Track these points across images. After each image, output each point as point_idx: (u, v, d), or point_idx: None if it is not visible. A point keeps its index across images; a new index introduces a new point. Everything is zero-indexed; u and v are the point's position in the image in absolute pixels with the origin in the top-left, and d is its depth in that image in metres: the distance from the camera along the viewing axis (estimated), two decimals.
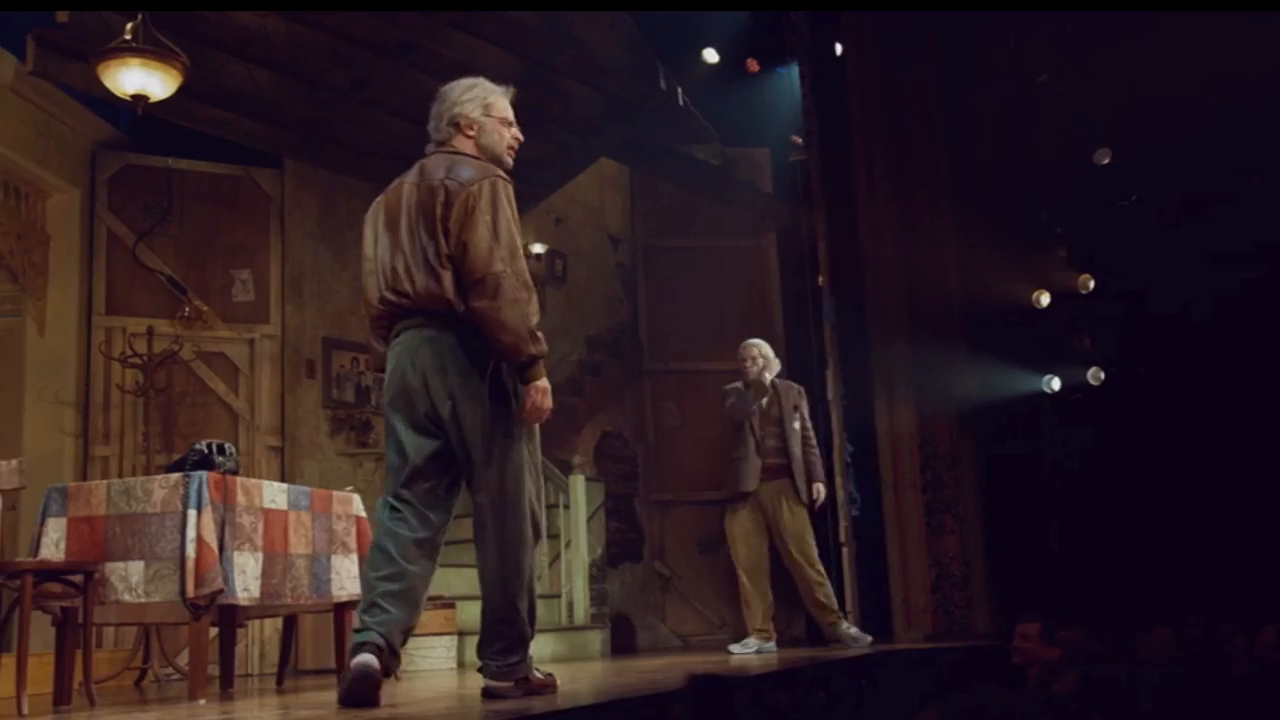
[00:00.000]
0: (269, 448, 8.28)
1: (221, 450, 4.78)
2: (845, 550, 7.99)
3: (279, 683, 5.67)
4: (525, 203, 10.01)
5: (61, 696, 4.48)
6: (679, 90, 8.90)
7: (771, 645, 7.25)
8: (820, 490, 7.35)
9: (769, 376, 7.50)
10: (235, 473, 4.76)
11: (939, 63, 8.18)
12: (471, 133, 3.79)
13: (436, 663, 7.05)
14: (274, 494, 4.86)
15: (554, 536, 8.50)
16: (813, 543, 7.28)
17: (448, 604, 7.27)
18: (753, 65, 9.60)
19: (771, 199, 10.62)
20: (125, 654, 6.67)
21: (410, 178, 3.72)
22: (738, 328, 11.22)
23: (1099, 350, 7.91)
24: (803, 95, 8.13)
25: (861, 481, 8.30)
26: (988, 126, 8.06)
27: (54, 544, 4.55)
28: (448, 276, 3.52)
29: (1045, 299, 7.95)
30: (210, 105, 7.72)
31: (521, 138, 3.96)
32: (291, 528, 4.91)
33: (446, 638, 7.13)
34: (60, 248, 7.86)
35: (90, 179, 8.01)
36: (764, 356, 7.54)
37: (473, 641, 7.20)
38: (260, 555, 4.69)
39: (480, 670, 3.63)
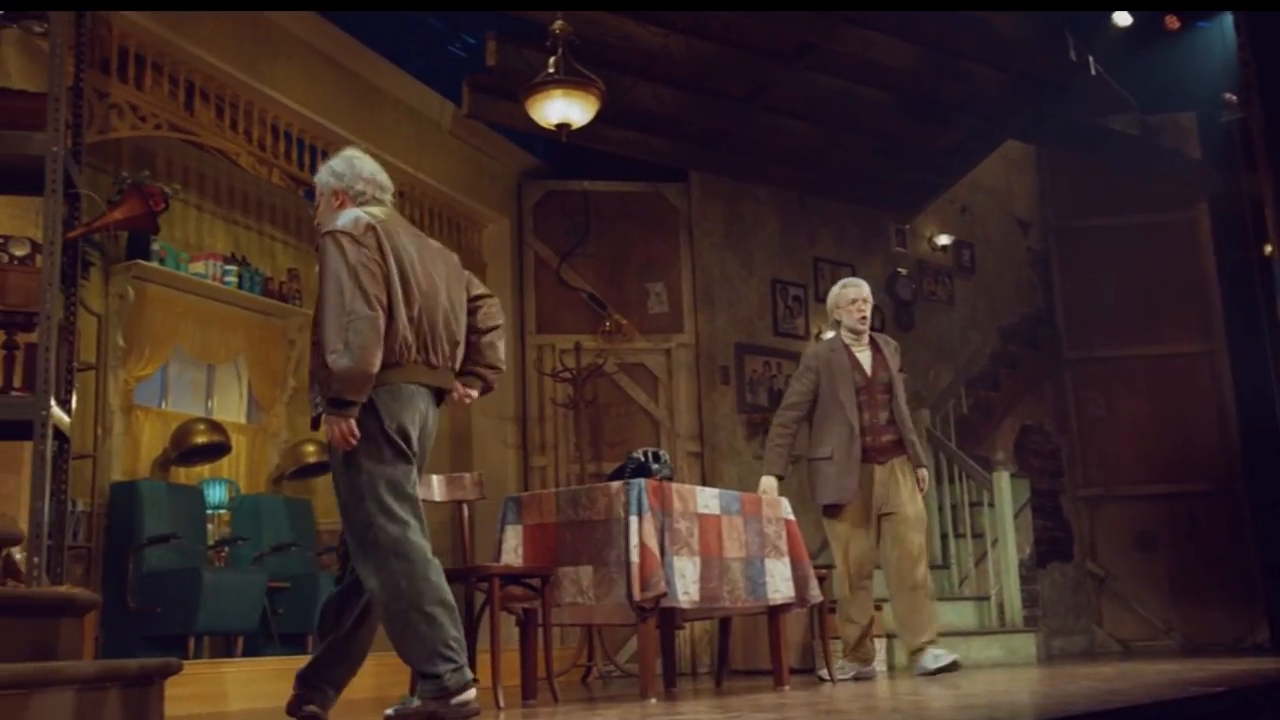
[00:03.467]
0: (689, 453, 8.55)
1: (657, 458, 4.95)
2: None
3: (717, 684, 5.81)
4: (929, 193, 9.82)
5: (528, 691, 4.81)
6: (1090, 60, 8.34)
7: (871, 669, 5.83)
8: (925, 479, 5.88)
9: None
10: (670, 479, 4.91)
11: None
12: None
13: None
14: (707, 499, 4.98)
15: (979, 535, 8.21)
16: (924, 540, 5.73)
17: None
18: (1172, 22, 8.83)
19: (1201, 166, 9.75)
20: (571, 651, 7.09)
21: (406, 225, 3.75)
22: (1167, 309, 10.47)
23: None
24: (1238, 46, 7.31)
25: None
26: None
27: (513, 550, 4.89)
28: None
29: None
30: (620, 127, 8.11)
31: None
32: (725, 532, 5.01)
33: (874, 640, 7.05)
34: (495, 273, 8.52)
35: (517, 208, 8.64)
36: (870, 303, 5.94)
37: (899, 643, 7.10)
38: (698, 559, 4.81)
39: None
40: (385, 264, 3.51)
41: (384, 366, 3.47)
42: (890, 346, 5.96)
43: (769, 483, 5.68)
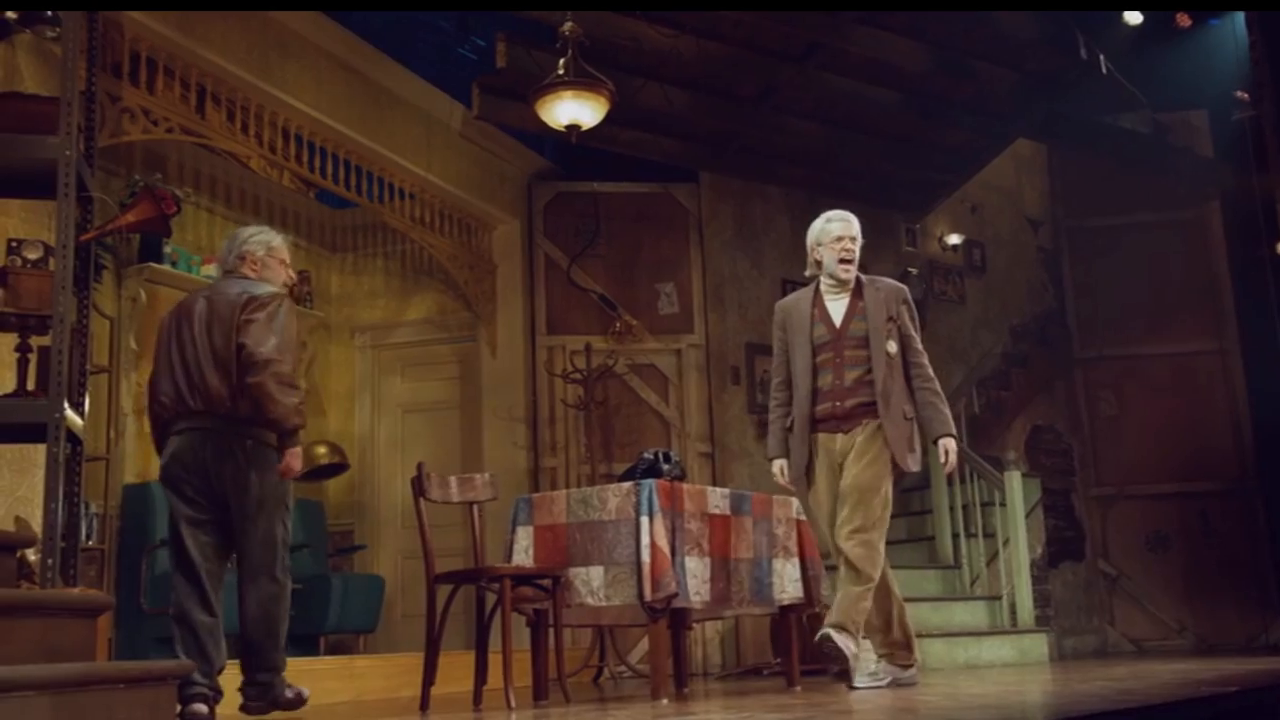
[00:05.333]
0: (700, 454, 8.55)
1: (667, 458, 4.96)
2: None
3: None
4: (939, 192, 9.81)
5: (540, 692, 4.81)
6: (1101, 58, 8.32)
7: (912, 674, 4.88)
8: (950, 451, 4.79)
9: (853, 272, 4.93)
10: (681, 479, 4.92)
11: None
12: (255, 267, 4.31)
13: None
14: (717, 500, 4.98)
15: (990, 535, 8.19)
16: (879, 511, 4.68)
17: None
18: (1183, 20, 8.80)
19: (1213, 164, 9.73)
20: (582, 652, 7.09)
21: (203, 293, 4.23)
22: (1179, 307, 10.45)
23: None
24: (1250, 43, 7.30)
25: None
26: None
27: (524, 550, 4.90)
28: (230, 375, 4.03)
29: None
30: (630, 128, 8.12)
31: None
32: (734, 532, 5.01)
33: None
34: (505, 275, 8.53)
35: (528, 209, 8.65)
36: (859, 242, 4.97)
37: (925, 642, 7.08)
38: (708, 560, 4.81)
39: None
40: (160, 341, 4.18)
41: (156, 424, 4.16)
42: (882, 291, 4.89)
43: (775, 467, 5.01)
